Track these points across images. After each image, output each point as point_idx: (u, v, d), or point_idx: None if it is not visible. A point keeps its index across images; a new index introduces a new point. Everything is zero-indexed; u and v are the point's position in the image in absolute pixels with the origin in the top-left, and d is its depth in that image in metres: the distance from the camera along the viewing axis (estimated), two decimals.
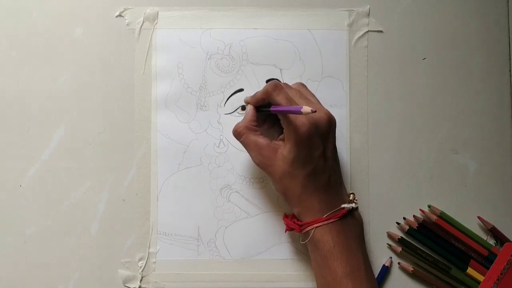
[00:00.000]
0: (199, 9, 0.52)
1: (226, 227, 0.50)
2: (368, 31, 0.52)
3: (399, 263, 0.50)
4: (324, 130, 0.44)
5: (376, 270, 0.50)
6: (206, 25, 0.52)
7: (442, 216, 0.50)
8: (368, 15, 0.52)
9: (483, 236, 0.51)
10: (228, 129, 0.51)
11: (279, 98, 0.44)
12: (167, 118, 0.51)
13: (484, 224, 0.50)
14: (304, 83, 0.51)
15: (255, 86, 0.51)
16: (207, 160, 0.51)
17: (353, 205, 0.45)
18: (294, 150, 0.43)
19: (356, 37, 0.52)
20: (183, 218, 0.50)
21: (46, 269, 0.50)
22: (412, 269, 0.50)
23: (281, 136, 0.46)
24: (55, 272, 0.50)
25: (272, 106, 0.45)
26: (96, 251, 0.50)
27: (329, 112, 0.45)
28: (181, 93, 0.51)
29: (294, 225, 0.46)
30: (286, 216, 0.48)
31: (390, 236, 0.51)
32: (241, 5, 0.52)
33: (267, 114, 0.47)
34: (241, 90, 0.51)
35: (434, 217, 0.50)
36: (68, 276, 0.50)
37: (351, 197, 0.46)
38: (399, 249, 0.50)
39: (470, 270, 0.49)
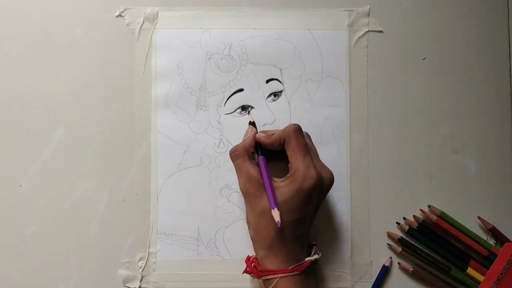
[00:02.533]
0: (199, 9, 0.52)
1: (226, 227, 0.50)
2: (368, 31, 0.52)
3: (399, 263, 0.50)
4: (326, 189, 0.45)
5: (376, 270, 0.50)
6: (206, 25, 0.52)
7: (442, 216, 0.50)
8: (368, 15, 0.52)
9: (483, 236, 0.51)
10: (228, 129, 0.51)
11: (297, 142, 0.44)
12: (167, 118, 0.51)
13: (484, 224, 0.50)
14: (304, 83, 0.51)
15: (255, 86, 0.51)
16: (207, 160, 0.51)
17: (316, 256, 0.45)
18: (290, 195, 0.43)
19: (356, 37, 0.52)
20: (183, 218, 0.50)
21: (46, 269, 0.50)
22: (412, 269, 0.50)
23: (281, 179, 0.44)
24: (55, 272, 0.50)
25: (262, 158, 0.45)
26: (96, 251, 0.50)
27: (332, 172, 0.45)
28: (181, 93, 0.51)
29: (254, 270, 0.44)
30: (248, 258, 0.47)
31: (390, 236, 0.51)
32: (241, 5, 0.52)
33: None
34: (241, 90, 0.51)
35: (434, 217, 0.50)
36: (68, 276, 0.50)
37: (314, 249, 0.46)
38: (399, 249, 0.50)
39: (470, 270, 0.49)
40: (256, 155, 0.47)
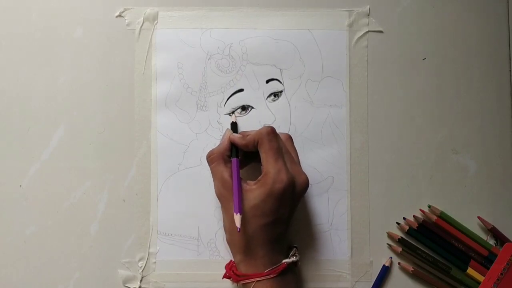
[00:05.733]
0: (199, 9, 0.52)
1: None
2: (368, 31, 0.52)
3: (399, 263, 0.50)
4: (299, 193, 0.44)
5: (376, 270, 0.50)
6: (206, 25, 0.52)
7: (442, 216, 0.50)
8: (368, 15, 0.52)
9: (483, 236, 0.51)
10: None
11: (270, 145, 0.44)
12: (167, 118, 0.51)
13: (484, 224, 0.50)
14: (304, 83, 0.51)
15: (255, 86, 0.51)
16: None
17: (294, 258, 0.45)
18: (261, 198, 0.42)
19: (356, 37, 0.52)
20: (183, 218, 0.50)
21: (46, 269, 0.50)
22: (412, 269, 0.50)
23: (254, 182, 0.44)
24: (55, 272, 0.50)
25: (235, 160, 0.45)
26: (96, 251, 0.50)
27: (307, 177, 0.45)
28: (181, 93, 0.51)
29: (232, 274, 0.45)
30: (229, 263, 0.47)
31: (390, 236, 0.51)
32: (241, 5, 0.52)
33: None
34: (241, 90, 0.51)
35: (434, 217, 0.50)
36: (68, 276, 0.50)
37: (293, 251, 0.46)
38: (399, 249, 0.50)
39: (470, 270, 0.49)
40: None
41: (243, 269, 0.44)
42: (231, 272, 0.45)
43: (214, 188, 0.46)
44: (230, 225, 0.44)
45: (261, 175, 0.44)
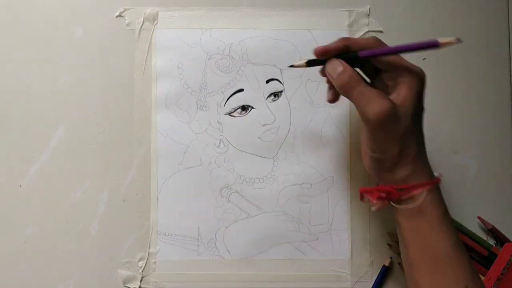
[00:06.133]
0: (199, 9, 0.52)
1: (226, 227, 0.50)
2: (368, 31, 0.52)
3: (399, 263, 0.50)
4: (425, 85, 0.41)
5: (376, 270, 0.50)
6: (206, 25, 0.52)
7: None
8: (368, 15, 0.52)
9: (483, 236, 0.51)
10: (228, 129, 0.51)
11: (361, 42, 0.41)
12: (167, 118, 0.51)
13: (484, 224, 0.50)
14: (304, 83, 0.51)
15: (255, 86, 0.51)
16: (207, 160, 0.51)
17: (439, 174, 0.41)
18: (415, 103, 0.39)
19: (356, 37, 0.52)
20: (183, 218, 0.50)
21: (46, 269, 0.50)
22: None
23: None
24: (55, 272, 0.50)
25: (381, 49, 0.40)
26: (96, 251, 0.50)
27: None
28: (181, 93, 0.51)
29: (393, 190, 0.40)
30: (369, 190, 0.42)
31: (390, 236, 0.51)
32: (241, 5, 0.52)
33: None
34: (241, 90, 0.51)
35: None
36: (68, 276, 0.50)
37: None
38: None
39: None
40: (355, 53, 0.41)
41: (412, 181, 0.39)
42: (389, 188, 0.40)
43: (369, 113, 0.39)
44: (399, 142, 0.39)
45: (388, 85, 0.40)
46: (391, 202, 0.41)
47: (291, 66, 0.45)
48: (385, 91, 0.41)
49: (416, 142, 0.40)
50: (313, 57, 0.43)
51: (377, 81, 0.43)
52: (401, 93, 0.40)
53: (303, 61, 0.44)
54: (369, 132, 0.40)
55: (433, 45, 0.36)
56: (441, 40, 0.36)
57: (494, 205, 0.51)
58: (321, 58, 0.42)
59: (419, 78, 0.40)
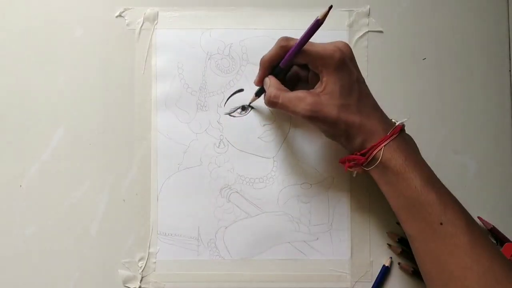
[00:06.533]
0: (199, 9, 0.52)
1: (226, 227, 0.50)
2: (368, 31, 0.52)
3: (399, 263, 0.50)
4: (350, 55, 0.44)
5: (376, 270, 0.50)
6: (206, 25, 0.52)
7: None
8: (368, 15, 0.52)
9: None
10: (228, 129, 0.51)
11: (293, 42, 0.44)
12: (167, 118, 0.51)
13: (484, 224, 0.50)
14: None
15: (255, 87, 0.51)
16: (207, 160, 0.51)
17: (405, 119, 0.45)
18: (337, 80, 0.43)
19: (356, 37, 0.52)
20: (183, 218, 0.50)
21: (46, 269, 0.50)
22: (412, 269, 0.49)
23: (318, 84, 0.45)
24: (55, 272, 0.50)
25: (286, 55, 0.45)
26: (96, 251, 0.50)
27: (341, 41, 0.45)
28: (181, 93, 0.51)
29: (357, 156, 0.44)
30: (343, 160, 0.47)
31: (390, 236, 0.51)
32: (241, 5, 0.52)
33: (283, 80, 0.47)
34: (241, 90, 0.51)
35: None
36: (68, 276, 0.50)
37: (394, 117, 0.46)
38: (399, 249, 0.50)
39: None
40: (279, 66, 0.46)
41: (368, 144, 0.44)
42: (355, 155, 0.45)
43: (299, 113, 0.44)
44: (339, 121, 0.43)
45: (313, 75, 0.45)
46: (362, 167, 0.45)
47: (249, 104, 0.51)
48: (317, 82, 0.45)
49: (356, 113, 0.43)
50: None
51: (313, 77, 0.47)
52: (322, 80, 0.44)
53: (253, 95, 0.49)
54: (313, 126, 0.46)
55: (316, 24, 0.42)
56: (319, 16, 0.42)
57: (494, 205, 0.51)
58: (260, 86, 0.48)
59: (331, 56, 0.43)
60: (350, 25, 0.52)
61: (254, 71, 0.51)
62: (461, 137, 0.52)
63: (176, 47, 0.51)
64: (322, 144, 0.51)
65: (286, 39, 0.45)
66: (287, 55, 0.44)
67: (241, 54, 0.51)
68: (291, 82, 0.48)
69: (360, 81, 0.45)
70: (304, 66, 0.47)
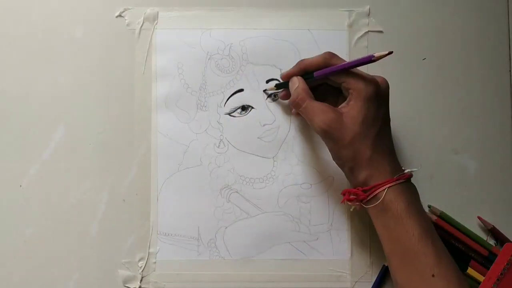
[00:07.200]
0: (199, 9, 0.52)
1: (226, 227, 0.50)
2: (368, 31, 0.52)
3: None
4: (385, 92, 0.45)
5: (376, 270, 0.50)
6: (206, 25, 0.52)
7: (442, 216, 0.50)
8: (368, 15, 0.52)
9: (483, 236, 0.51)
10: (228, 129, 0.51)
11: (337, 61, 0.45)
12: (167, 118, 0.51)
13: (484, 224, 0.50)
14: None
15: (255, 86, 0.51)
16: (207, 160, 0.51)
17: (415, 169, 0.45)
18: (363, 109, 0.43)
19: (356, 37, 0.52)
20: (183, 218, 0.50)
21: (46, 269, 0.50)
22: None
23: (344, 104, 0.45)
24: (55, 272, 0.50)
25: (326, 69, 0.45)
26: (96, 251, 0.50)
27: (381, 77, 0.45)
28: (181, 93, 0.51)
29: (359, 191, 0.44)
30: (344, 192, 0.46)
31: None
32: (241, 5, 0.52)
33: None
34: (241, 90, 0.51)
35: (434, 217, 0.50)
36: (68, 276, 0.50)
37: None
38: None
39: (470, 270, 0.49)
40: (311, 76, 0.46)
41: (372, 182, 0.43)
42: (356, 190, 0.44)
43: (316, 124, 0.44)
44: (349, 149, 0.43)
45: (350, 93, 0.44)
46: (361, 203, 0.44)
47: (265, 90, 0.51)
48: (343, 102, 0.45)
49: (370, 146, 0.43)
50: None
51: (340, 94, 0.47)
52: (349, 103, 0.44)
53: (273, 85, 0.50)
54: (324, 142, 0.45)
55: (368, 59, 0.43)
56: (376, 54, 0.42)
57: (494, 205, 0.51)
58: (285, 80, 0.48)
59: (367, 85, 0.43)
60: (350, 25, 0.52)
61: (254, 71, 0.51)
62: (461, 137, 0.52)
63: (176, 47, 0.51)
64: (322, 144, 0.51)
65: (333, 55, 0.46)
66: (326, 69, 0.45)
67: (241, 54, 0.51)
68: (316, 94, 0.48)
69: (385, 119, 0.45)
70: (334, 89, 0.47)
